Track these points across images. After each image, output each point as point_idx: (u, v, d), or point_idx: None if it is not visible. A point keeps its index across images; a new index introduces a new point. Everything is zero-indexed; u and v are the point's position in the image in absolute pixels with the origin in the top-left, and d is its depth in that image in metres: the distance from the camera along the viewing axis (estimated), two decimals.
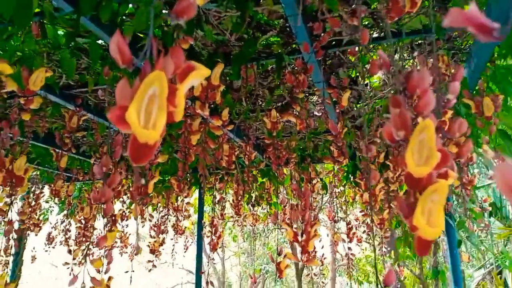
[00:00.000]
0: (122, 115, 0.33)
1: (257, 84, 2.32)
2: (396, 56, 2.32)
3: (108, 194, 0.98)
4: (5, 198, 1.35)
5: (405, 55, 2.21)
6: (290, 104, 2.60)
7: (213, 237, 1.72)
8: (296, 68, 2.19)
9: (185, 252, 3.40)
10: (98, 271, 1.68)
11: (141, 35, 1.90)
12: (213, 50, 2.05)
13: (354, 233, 2.52)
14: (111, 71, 1.61)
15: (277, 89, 2.47)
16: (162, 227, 2.88)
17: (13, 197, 1.14)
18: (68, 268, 2.45)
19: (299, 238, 1.21)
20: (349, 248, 2.51)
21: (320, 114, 2.77)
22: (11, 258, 3.74)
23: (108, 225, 1.11)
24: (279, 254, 1.44)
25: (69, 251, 2.49)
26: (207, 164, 3.31)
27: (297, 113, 1.58)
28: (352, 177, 3.68)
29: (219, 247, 3.25)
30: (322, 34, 1.92)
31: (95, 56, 1.83)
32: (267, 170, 3.58)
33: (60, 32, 1.94)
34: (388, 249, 6.35)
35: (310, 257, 1.18)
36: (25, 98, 1.07)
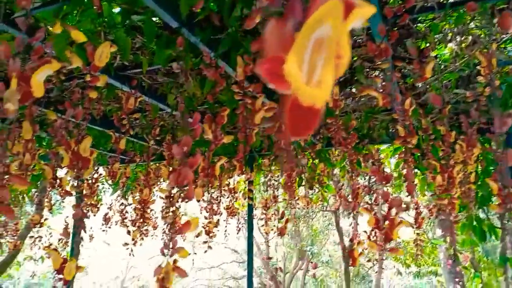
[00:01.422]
0: (275, 69, 0.23)
1: None
2: (472, 24, 2.09)
3: (190, 176, 0.91)
4: (71, 181, 1.33)
5: (483, 22, 1.98)
6: (349, 80, 2.45)
7: (281, 222, 1.64)
8: (362, 38, 2.03)
9: (237, 233, 3.39)
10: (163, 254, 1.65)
11: (198, 10, 1.81)
12: None
13: (423, 218, 2.35)
14: (184, 40, 1.51)
15: None
16: (216, 208, 2.85)
17: (79, 180, 1.12)
18: (127, 248, 2.49)
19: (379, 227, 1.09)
20: (418, 234, 2.36)
21: (382, 90, 2.58)
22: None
23: (179, 208, 1.06)
24: (351, 241, 1.33)
25: (128, 232, 2.53)
26: (259, 146, 3.20)
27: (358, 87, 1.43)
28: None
29: (267, 228, 3.19)
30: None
31: (151, 34, 1.77)
32: (319, 152, 3.45)
33: (115, 10, 1.90)
34: (443, 233, 6.06)
35: (394, 247, 1.06)
36: (91, 76, 1.02)
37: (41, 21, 1.82)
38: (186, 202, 1.01)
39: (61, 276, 1.09)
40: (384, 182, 1.08)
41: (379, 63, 2.55)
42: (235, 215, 3.20)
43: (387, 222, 1.09)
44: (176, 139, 3.14)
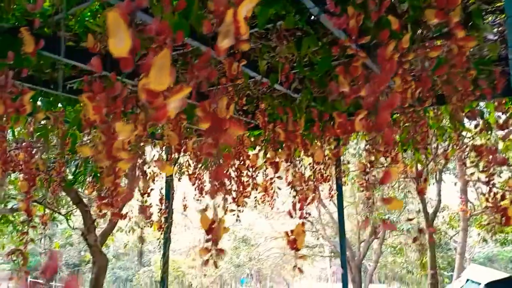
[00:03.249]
0: None
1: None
2: None
3: (389, 118, 0.84)
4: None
5: None
6: (463, 24, 2.20)
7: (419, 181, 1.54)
8: None
9: (330, 199, 3.32)
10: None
11: None
12: None
13: None
14: None
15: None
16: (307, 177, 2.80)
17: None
18: (233, 214, 2.55)
19: None
20: None
21: (496, 37, 2.31)
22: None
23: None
24: (502, 199, 1.20)
25: (234, 199, 2.59)
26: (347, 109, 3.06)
27: None
28: None
29: (368, 194, 3.07)
30: None
31: None
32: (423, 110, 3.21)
33: None
34: None
35: None
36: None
37: None
38: (387, 149, 0.94)
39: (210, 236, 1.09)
40: None
41: (497, 5, 2.26)
42: (327, 181, 3.12)
43: None
44: (263, 109, 3.09)
